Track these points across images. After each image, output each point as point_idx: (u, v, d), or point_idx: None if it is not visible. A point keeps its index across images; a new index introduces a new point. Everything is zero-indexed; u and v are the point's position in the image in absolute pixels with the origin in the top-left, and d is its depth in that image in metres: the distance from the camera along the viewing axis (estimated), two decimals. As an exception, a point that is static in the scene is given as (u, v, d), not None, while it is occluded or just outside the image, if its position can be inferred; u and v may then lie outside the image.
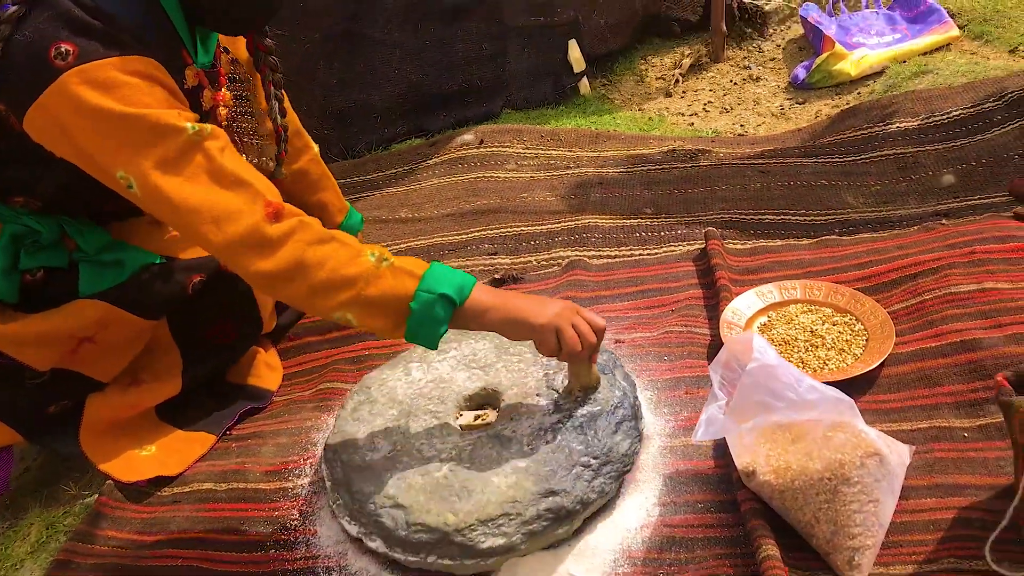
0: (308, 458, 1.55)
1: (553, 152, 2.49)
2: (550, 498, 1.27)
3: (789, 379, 1.21)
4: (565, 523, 1.27)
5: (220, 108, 1.50)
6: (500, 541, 1.24)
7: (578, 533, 1.31)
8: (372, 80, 2.70)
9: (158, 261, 1.55)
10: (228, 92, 1.53)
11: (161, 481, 1.54)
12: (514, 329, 1.31)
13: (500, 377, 1.50)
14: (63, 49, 1.20)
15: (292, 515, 1.44)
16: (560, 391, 1.43)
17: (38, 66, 1.20)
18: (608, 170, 2.35)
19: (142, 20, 1.30)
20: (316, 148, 1.91)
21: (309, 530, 1.41)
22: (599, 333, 1.35)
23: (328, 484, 1.40)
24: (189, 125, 1.25)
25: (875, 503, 1.21)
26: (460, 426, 1.43)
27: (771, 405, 1.22)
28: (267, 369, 1.78)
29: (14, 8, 1.22)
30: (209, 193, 1.24)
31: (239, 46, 1.62)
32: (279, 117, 1.64)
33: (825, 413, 1.22)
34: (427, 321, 1.26)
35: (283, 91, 1.65)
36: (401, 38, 2.69)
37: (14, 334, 1.42)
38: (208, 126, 1.28)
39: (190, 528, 1.45)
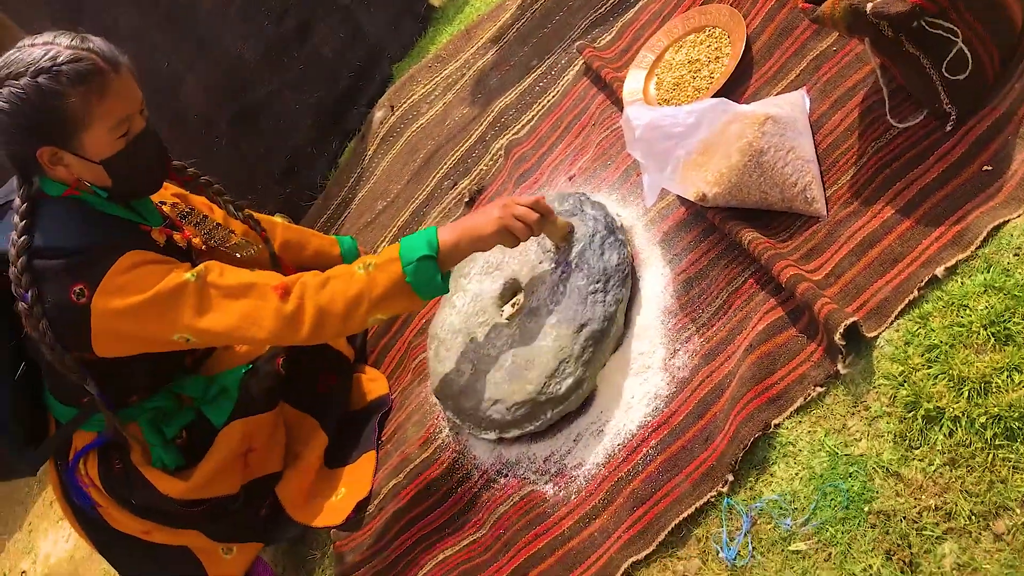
0: (437, 416, 1.91)
1: (446, 71, 2.74)
2: (584, 330, 1.59)
3: (668, 119, 1.48)
4: (605, 338, 1.59)
5: (193, 240, 1.82)
6: (569, 381, 1.57)
7: (628, 323, 1.63)
8: (274, 133, 2.97)
9: (246, 368, 1.91)
10: (189, 227, 1.85)
11: (362, 506, 1.92)
12: (480, 245, 1.61)
13: (511, 265, 1.81)
14: (77, 290, 1.52)
15: (454, 457, 1.80)
16: (551, 249, 1.74)
17: (74, 314, 1.53)
18: (489, 52, 2.59)
19: (100, 231, 1.59)
20: (280, 218, 2.23)
21: (470, 457, 1.77)
22: (535, 206, 1.62)
23: (449, 421, 1.76)
24: (189, 275, 1.57)
25: (792, 150, 1.49)
26: (506, 319, 1.76)
27: (671, 145, 1.49)
28: (372, 383, 2.14)
29: (31, 295, 1.53)
30: (235, 310, 1.57)
31: (167, 190, 1.90)
32: (238, 212, 1.94)
33: (711, 121, 1.49)
34: (425, 280, 1.58)
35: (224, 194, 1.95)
36: (275, 86, 2.95)
37: (198, 484, 1.79)
38: (201, 266, 1.59)
39: (402, 516, 1.83)
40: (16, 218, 1.56)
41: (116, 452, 1.78)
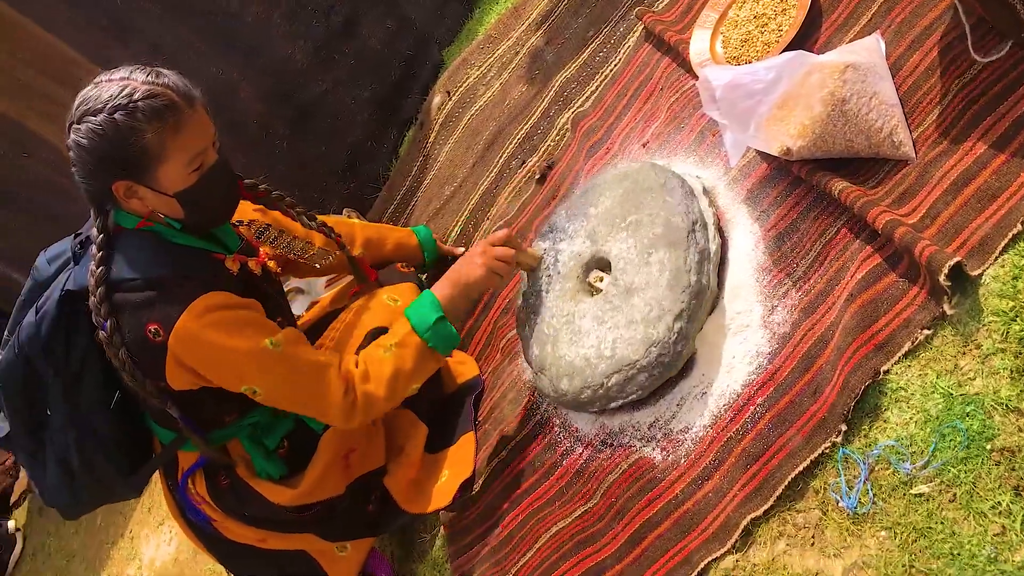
0: (533, 392, 1.93)
1: (498, 51, 2.75)
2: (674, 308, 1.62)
3: (748, 76, 1.48)
4: (701, 302, 1.61)
5: (268, 263, 1.85)
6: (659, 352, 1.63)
7: (721, 284, 1.64)
8: (332, 131, 3.01)
9: None
10: (265, 247, 1.89)
11: (466, 485, 1.96)
12: (473, 290, 1.81)
13: (600, 232, 1.81)
14: (152, 329, 1.56)
15: (555, 431, 1.83)
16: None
17: (150, 351, 1.57)
18: (542, 27, 2.60)
19: (174, 263, 1.62)
20: (352, 215, 2.27)
21: (572, 430, 1.80)
22: (506, 241, 1.84)
23: (549, 397, 1.79)
24: (268, 343, 1.61)
25: (875, 95, 1.48)
26: (594, 290, 1.78)
27: (753, 102, 1.49)
28: (461, 366, 2.17)
29: (110, 324, 1.57)
30: (303, 388, 1.67)
31: (247, 206, 1.93)
32: (312, 222, 1.96)
33: (790, 75, 1.48)
34: (444, 338, 1.76)
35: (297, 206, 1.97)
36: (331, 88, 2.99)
37: (305, 491, 1.82)
38: (282, 334, 1.64)
39: (509, 493, 1.87)
40: (94, 249, 1.60)
41: (221, 468, 1.82)
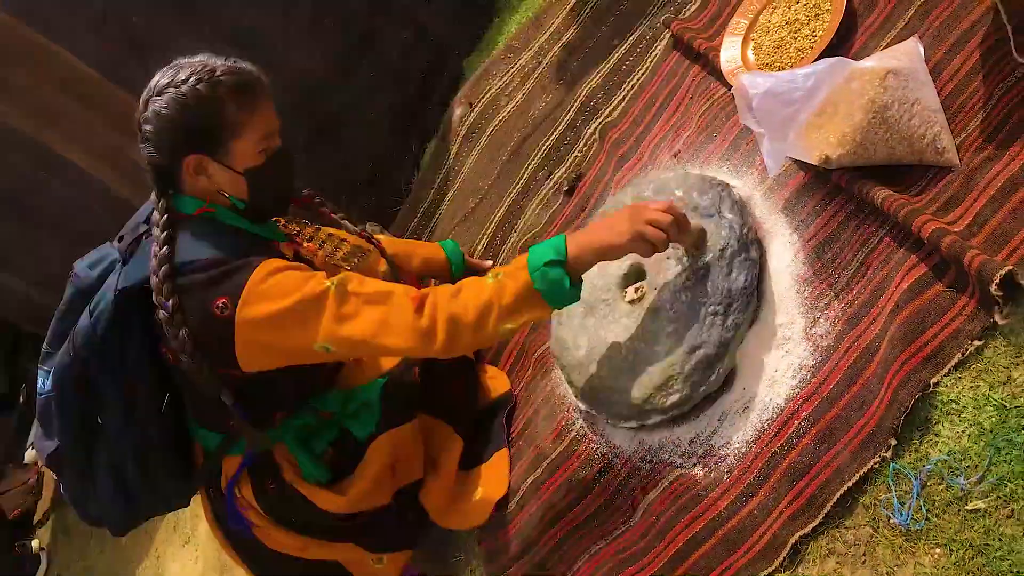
0: (568, 408, 1.90)
1: (520, 61, 2.73)
2: (696, 352, 1.59)
3: (786, 84, 1.45)
4: (718, 362, 1.59)
5: (314, 257, 1.87)
6: (674, 397, 1.62)
7: (760, 296, 1.61)
8: (352, 143, 2.99)
9: (383, 381, 1.92)
10: (308, 243, 1.90)
11: (501, 504, 1.93)
12: (612, 253, 1.54)
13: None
14: (220, 304, 1.54)
15: (592, 448, 1.80)
16: (681, 255, 1.67)
17: (218, 328, 1.55)
18: (564, 36, 2.57)
19: (235, 244, 1.63)
20: (375, 229, 2.26)
21: (610, 447, 1.77)
22: (671, 210, 1.53)
23: (583, 412, 1.78)
24: (329, 283, 1.57)
25: (916, 101, 1.45)
26: (629, 302, 1.75)
27: (792, 110, 1.46)
28: (493, 380, 2.15)
29: (171, 303, 1.55)
30: (374, 318, 1.56)
31: None
32: (352, 226, 1.98)
33: (830, 82, 1.45)
34: (553, 287, 1.52)
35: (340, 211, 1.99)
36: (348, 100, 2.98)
37: (355, 498, 1.82)
38: (341, 275, 1.60)
39: (546, 512, 1.84)
40: (156, 231, 1.60)
41: (267, 472, 1.82)
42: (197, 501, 1.96)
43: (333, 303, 1.55)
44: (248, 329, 1.55)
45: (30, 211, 3.43)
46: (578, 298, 1.57)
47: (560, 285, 1.52)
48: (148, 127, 1.57)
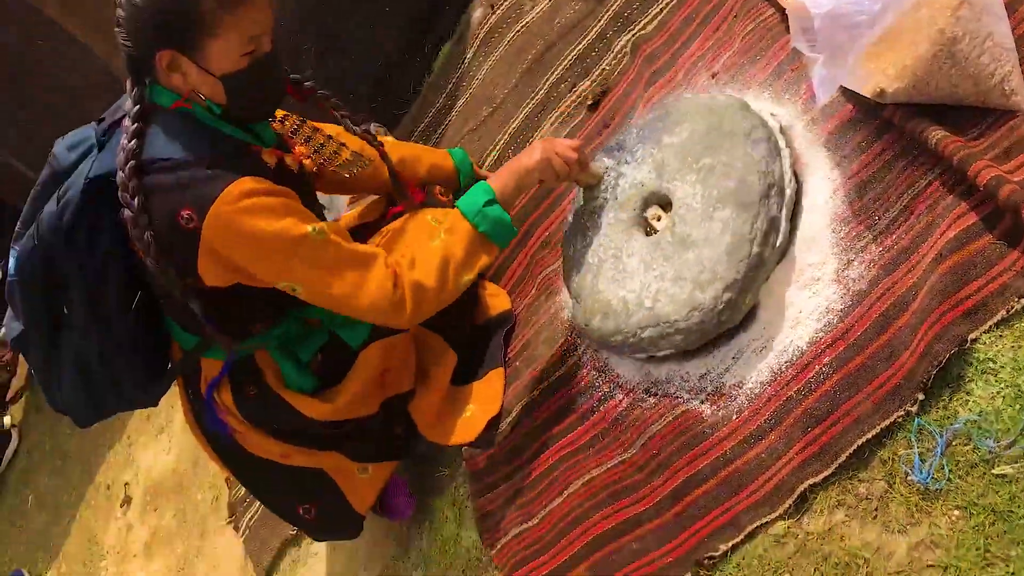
0: (571, 332, 1.83)
1: (548, -35, 2.57)
2: (716, 284, 1.50)
3: (851, 5, 1.34)
4: (738, 300, 1.50)
5: (304, 161, 1.74)
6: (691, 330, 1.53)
7: (792, 230, 1.52)
8: (360, 44, 2.84)
9: None
10: (302, 147, 1.77)
11: (493, 423, 1.87)
12: (529, 177, 1.69)
13: (668, 169, 1.67)
14: (185, 215, 1.46)
15: (593, 375, 1.73)
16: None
17: (182, 238, 1.47)
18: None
19: (209, 147, 1.52)
20: (380, 131, 2.13)
21: (612, 375, 1.70)
22: (577, 150, 1.70)
23: (579, 328, 1.72)
24: (310, 229, 1.50)
25: (989, 36, 1.34)
26: (647, 233, 1.67)
27: (854, 34, 1.35)
28: (493, 298, 2.06)
29: (136, 201, 1.46)
30: (348, 278, 1.55)
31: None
32: (356, 127, 1.83)
33: (898, 6, 1.34)
34: (496, 225, 1.65)
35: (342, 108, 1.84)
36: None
37: (341, 406, 1.76)
38: (324, 223, 1.54)
39: (539, 435, 1.78)
40: (127, 120, 1.50)
41: (248, 378, 1.74)
42: (174, 392, 1.88)
43: (309, 250, 1.51)
44: (213, 248, 1.48)
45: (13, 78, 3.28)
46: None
47: (502, 220, 1.66)
48: (121, 12, 1.45)
